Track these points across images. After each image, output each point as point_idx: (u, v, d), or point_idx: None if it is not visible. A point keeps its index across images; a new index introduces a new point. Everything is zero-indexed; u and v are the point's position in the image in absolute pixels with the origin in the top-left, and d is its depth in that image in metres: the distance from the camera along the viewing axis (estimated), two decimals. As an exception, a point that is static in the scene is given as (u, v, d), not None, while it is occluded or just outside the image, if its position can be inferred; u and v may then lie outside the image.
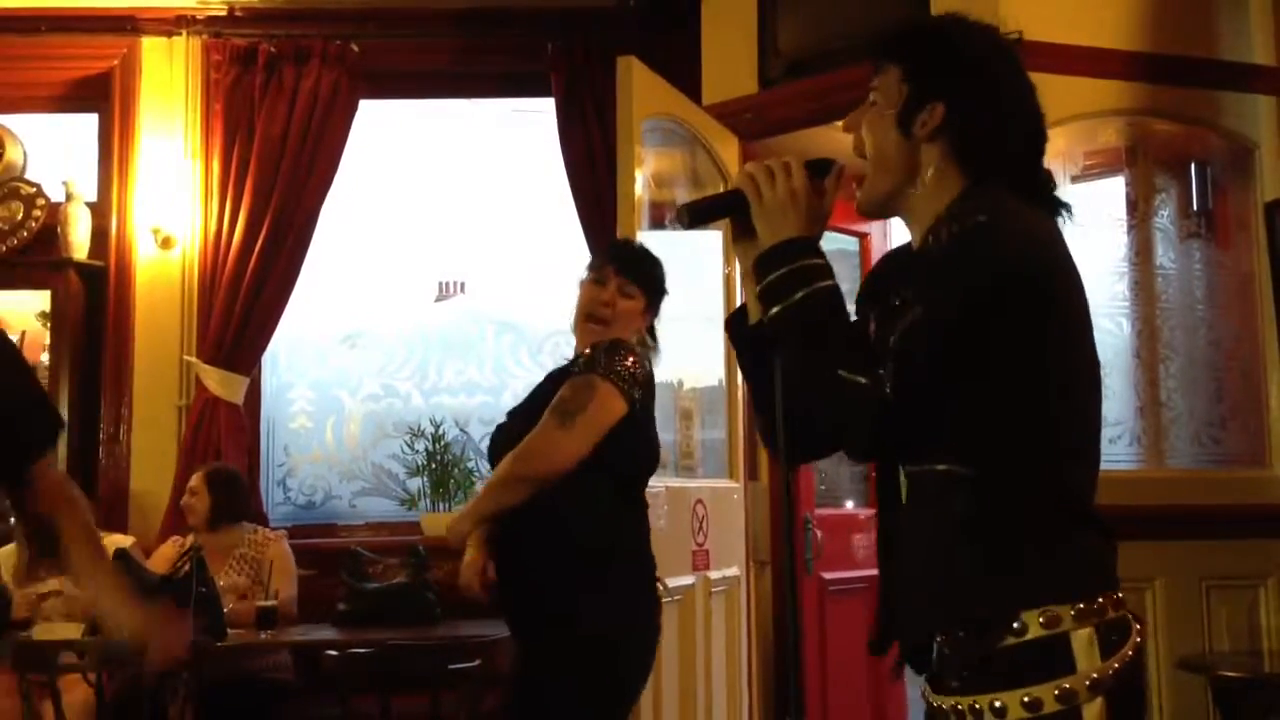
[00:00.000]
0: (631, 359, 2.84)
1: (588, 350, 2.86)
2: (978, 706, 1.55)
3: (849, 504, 5.02)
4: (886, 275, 1.79)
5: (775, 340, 1.63)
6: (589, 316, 2.97)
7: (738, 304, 4.26)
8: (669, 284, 3.10)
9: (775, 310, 1.61)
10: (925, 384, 1.52)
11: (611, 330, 2.94)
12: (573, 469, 2.74)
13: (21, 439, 2.06)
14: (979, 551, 1.56)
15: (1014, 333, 1.52)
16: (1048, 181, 1.72)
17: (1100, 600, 1.54)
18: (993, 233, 1.56)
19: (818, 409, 1.58)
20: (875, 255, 4.85)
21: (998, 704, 1.53)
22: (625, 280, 2.99)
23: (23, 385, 2.14)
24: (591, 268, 3.04)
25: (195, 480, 4.46)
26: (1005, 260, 1.53)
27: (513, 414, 3.01)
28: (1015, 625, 1.53)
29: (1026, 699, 1.51)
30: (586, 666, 2.73)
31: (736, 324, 1.83)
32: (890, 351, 1.54)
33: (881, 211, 1.76)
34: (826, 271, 1.61)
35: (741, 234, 1.73)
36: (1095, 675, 1.51)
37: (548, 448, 2.76)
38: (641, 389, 2.85)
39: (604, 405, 2.77)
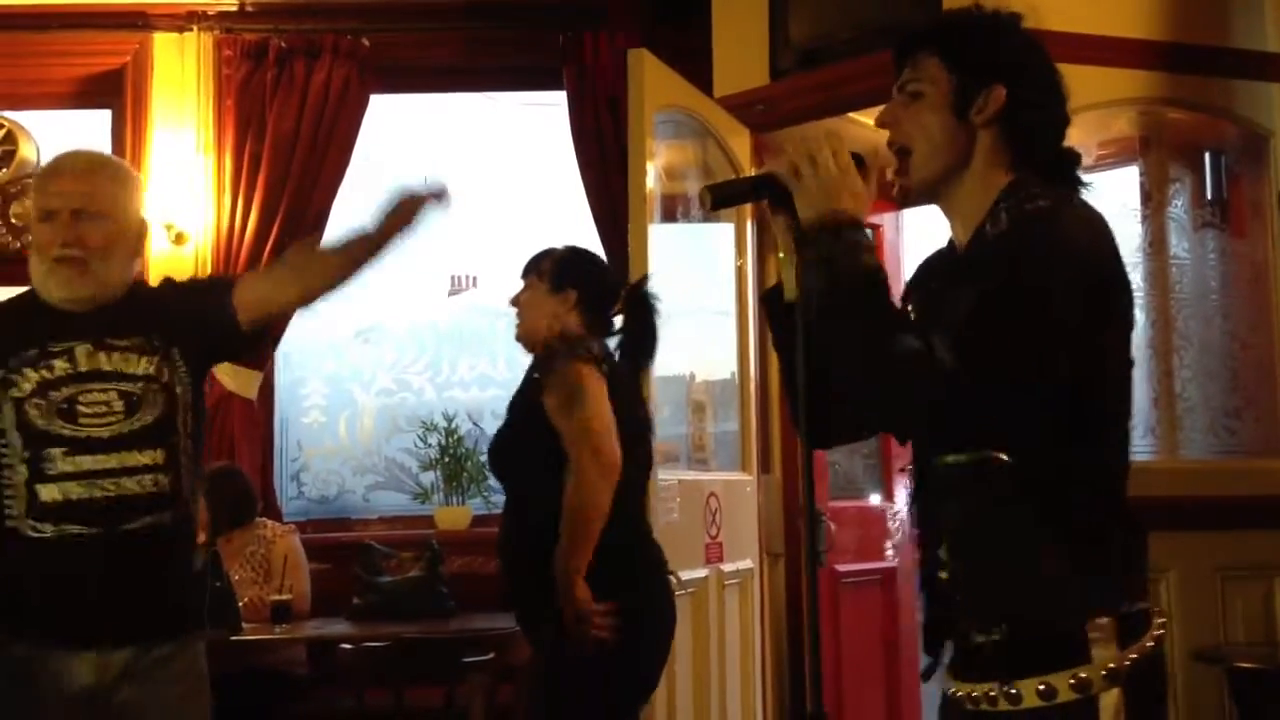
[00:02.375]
0: (581, 342, 2.89)
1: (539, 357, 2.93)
2: (992, 694, 1.55)
3: (874, 497, 5.01)
4: (928, 274, 1.79)
5: (819, 316, 1.60)
6: (516, 323, 3.06)
7: (750, 296, 4.23)
8: (683, 274, 3.11)
9: (820, 285, 1.58)
10: (992, 357, 1.48)
11: (528, 322, 3.02)
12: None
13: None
14: (1017, 553, 1.54)
15: (1075, 318, 1.52)
16: (1074, 159, 1.73)
17: (1124, 595, 1.54)
18: (1057, 218, 1.57)
19: (875, 375, 1.54)
20: (888, 247, 4.83)
21: (1012, 691, 1.53)
22: (523, 279, 3.08)
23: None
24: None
25: None
26: (1071, 247, 1.54)
27: (505, 427, 3.03)
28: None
29: (1041, 687, 1.51)
30: (606, 660, 2.73)
31: (772, 301, 1.80)
32: (958, 323, 1.50)
33: (926, 197, 1.75)
34: (870, 247, 1.61)
35: (777, 210, 1.72)
36: (1112, 665, 1.51)
37: (592, 439, 2.76)
38: (607, 364, 2.89)
39: (590, 383, 2.81)
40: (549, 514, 2.76)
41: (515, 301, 3.08)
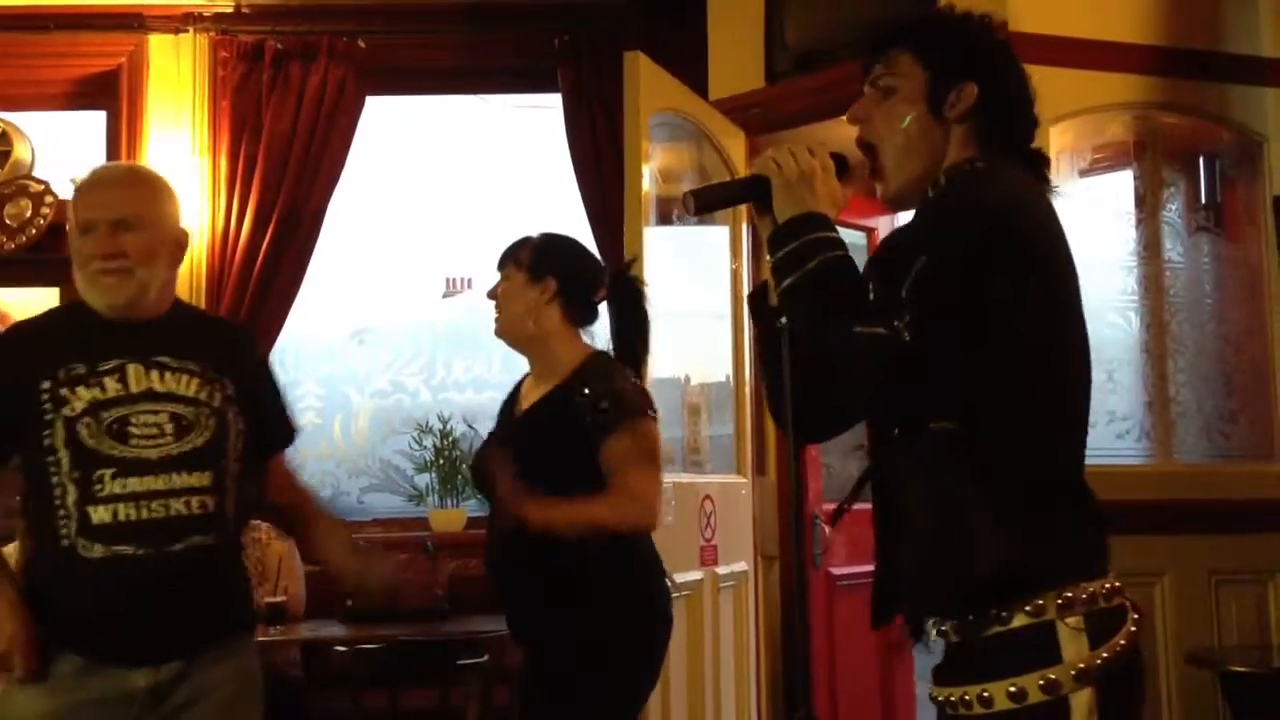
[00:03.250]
0: (630, 380, 2.83)
1: (585, 388, 2.79)
2: (966, 697, 1.55)
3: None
4: (890, 249, 1.81)
5: (789, 311, 1.64)
6: (495, 316, 2.95)
7: (746, 299, 4.21)
8: (678, 277, 3.07)
9: (789, 280, 1.61)
10: (940, 328, 1.51)
11: (507, 314, 2.91)
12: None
13: (267, 439, 2.52)
14: (969, 530, 1.54)
15: (1010, 280, 1.53)
16: (1043, 160, 1.75)
17: (1090, 589, 1.54)
18: (987, 180, 1.61)
19: (834, 366, 1.57)
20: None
21: (985, 694, 1.53)
22: (502, 270, 2.97)
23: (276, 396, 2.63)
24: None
25: None
26: (997, 205, 1.57)
27: (494, 439, 3.00)
28: (1002, 614, 1.53)
29: (1012, 689, 1.51)
30: (603, 665, 2.72)
31: (758, 299, 1.83)
32: (903, 301, 1.53)
33: (908, 202, 1.77)
34: (839, 244, 1.62)
35: (761, 211, 1.73)
36: (1082, 665, 1.50)
37: (654, 498, 2.77)
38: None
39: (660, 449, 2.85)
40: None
41: (494, 294, 2.96)
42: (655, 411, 2.85)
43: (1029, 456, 1.56)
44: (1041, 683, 1.49)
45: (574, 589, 2.70)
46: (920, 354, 1.50)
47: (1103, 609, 1.53)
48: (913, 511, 1.62)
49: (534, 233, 3.03)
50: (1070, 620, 1.51)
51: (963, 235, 1.54)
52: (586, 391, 2.77)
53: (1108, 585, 1.56)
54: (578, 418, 2.74)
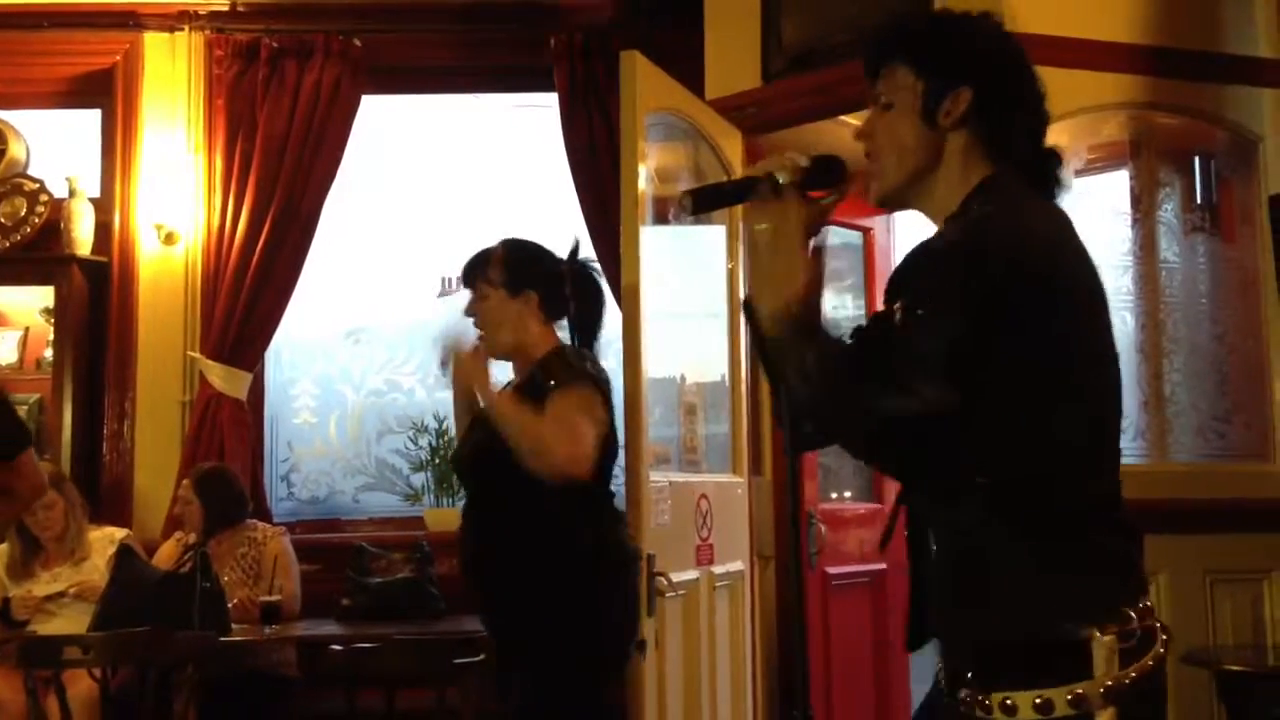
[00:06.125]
0: (588, 363, 2.88)
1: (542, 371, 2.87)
2: (988, 702, 1.54)
3: (857, 497, 5.01)
4: (911, 268, 1.79)
5: (770, 361, 1.63)
6: (480, 336, 2.99)
7: (741, 298, 4.21)
8: (674, 276, 3.11)
9: (787, 372, 1.58)
10: (928, 383, 1.50)
11: (494, 332, 2.96)
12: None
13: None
14: (1001, 566, 1.54)
15: (1018, 329, 1.51)
16: (1055, 159, 1.72)
17: (1125, 608, 1.53)
18: (996, 226, 1.56)
19: (824, 411, 1.59)
20: (879, 250, 4.84)
21: (1008, 701, 1.52)
22: (473, 288, 3.02)
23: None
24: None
25: (184, 488, 4.42)
26: (1007, 254, 1.52)
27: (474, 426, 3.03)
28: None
29: (1038, 700, 1.50)
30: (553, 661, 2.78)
31: (753, 307, 1.82)
32: (893, 348, 1.52)
33: (898, 202, 1.75)
34: (819, 311, 1.60)
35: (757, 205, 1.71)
36: (1110, 683, 1.49)
37: (560, 443, 2.75)
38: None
39: (597, 414, 2.82)
40: (531, 520, 2.78)
41: (472, 313, 3.01)
42: (600, 384, 2.85)
43: (1049, 496, 1.55)
44: (1069, 697, 1.49)
45: (526, 582, 2.74)
46: (904, 404, 1.52)
47: (1135, 629, 1.52)
48: (939, 550, 1.62)
49: (493, 245, 3.06)
50: (1105, 639, 1.50)
51: (963, 285, 1.51)
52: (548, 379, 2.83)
53: (1141, 605, 1.55)
54: (536, 399, 2.81)
